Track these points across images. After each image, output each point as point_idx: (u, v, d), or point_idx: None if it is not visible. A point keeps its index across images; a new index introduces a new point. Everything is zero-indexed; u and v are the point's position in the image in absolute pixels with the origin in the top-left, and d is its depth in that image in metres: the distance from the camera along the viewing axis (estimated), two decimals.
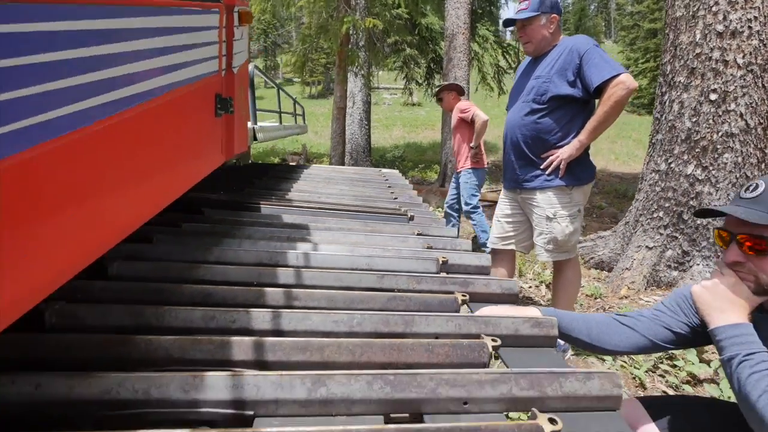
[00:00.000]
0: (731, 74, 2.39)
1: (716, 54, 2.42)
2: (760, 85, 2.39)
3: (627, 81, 1.63)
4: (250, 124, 2.02)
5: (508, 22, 2.03)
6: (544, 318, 1.01)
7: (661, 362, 1.95)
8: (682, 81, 2.57)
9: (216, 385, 0.69)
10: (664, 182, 2.67)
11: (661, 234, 2.68)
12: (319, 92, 35.95)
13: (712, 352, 1.95)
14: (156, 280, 1.05)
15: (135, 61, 0.73)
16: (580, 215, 1.89)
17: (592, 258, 3.23)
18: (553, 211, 1.87)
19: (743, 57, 2.37)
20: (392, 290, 1.13)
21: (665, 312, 1.10)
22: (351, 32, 6.07)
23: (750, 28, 2.35)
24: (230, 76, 1.24)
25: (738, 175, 2.42)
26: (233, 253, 1.26)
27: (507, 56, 8.69)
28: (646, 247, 2.72)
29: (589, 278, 2.98)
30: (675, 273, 2.62)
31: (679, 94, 2.59)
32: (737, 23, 2.36)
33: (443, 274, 1.27)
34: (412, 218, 1.97)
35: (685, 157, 2.55)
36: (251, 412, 0.67)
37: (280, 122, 3.42)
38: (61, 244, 0.57)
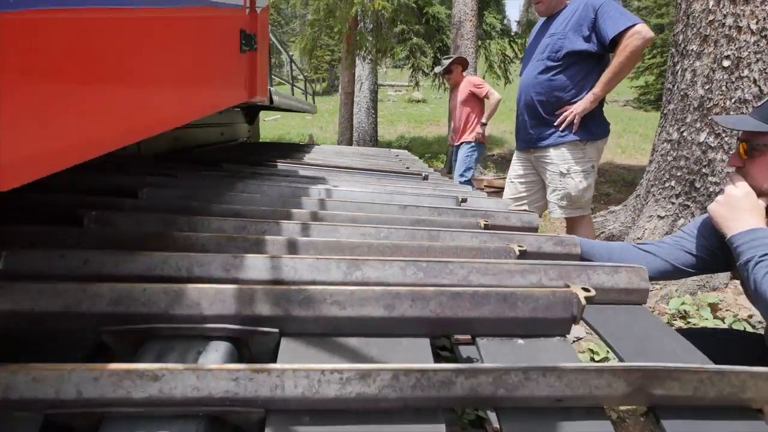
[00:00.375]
0: (744, 40, 2.38)
1: (729, 20, 2.41)
2: None
3: (643, 31, 1.64)
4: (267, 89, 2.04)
5: None
6: (567, 236, 1.02)
7: (674, 320, 1.96)
8: (694, 49, 2.57)
9: (255, 266, 0.71)
10: (676, 151, 2.67)
11: (673, 203, 2.68)
12: (323, 89, 36.02)
13: (726, 309, 1.96)
14: (186, 201, 1.08)
15: None
16: (594, 171, 1.90)
17: (602, 232, 3.23)
18: (567, 166, 1.88)
19: (757, 23, 2.36)
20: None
21: (685, 237, 1.12)
22: (359, 17, 6.09)
23: None
24: (254, 16, 1.27)
25: None
26: (256, 187, 1.29)
27: (514, 45, 8.67)
28: (658, 216, 2.72)
29: None
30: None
31: (691, 62, 2.59)
32: None
33: (464, 207, 1.29)
34: (426, 177, 1.99)
35: (698, 125, 2.55)
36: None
37: (292, 94, 3.45)
38: (81, 116, 0.56)
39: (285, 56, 3.51)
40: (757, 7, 2.36)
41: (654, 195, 2.81)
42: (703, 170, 2.54)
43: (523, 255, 0.90)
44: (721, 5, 2.44)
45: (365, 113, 7.24)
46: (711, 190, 2.53)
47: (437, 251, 0.86)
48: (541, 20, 2.08)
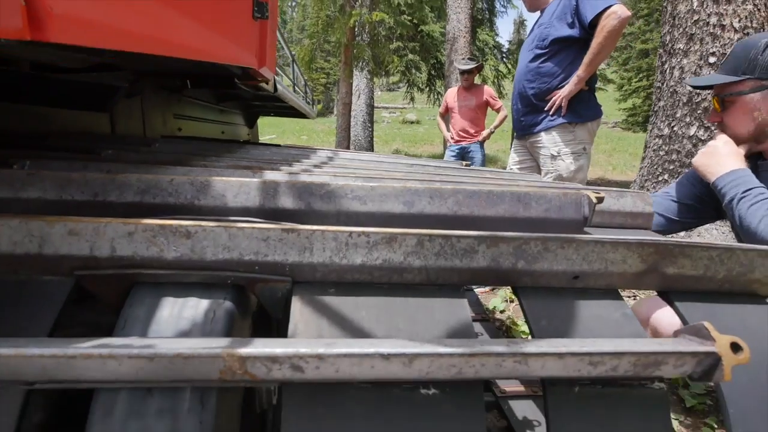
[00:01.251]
0: (729, 37, 2.50)
1: (713, 19, 2.54)
2: None
3: (618, 11, 1.72)
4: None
5: None
6: (571, 183, 1.05)
7: None
8: (681, 47, 2.68)
9: (276, 178, 0.73)
10: (668, 146, 2.75)
11: None
12: (318, 111, 36.64)
13: None
14: (200, 151, 1.10)
15: None
16: (586, 155, 1.95)
17: None
18: (557, 149, 1.94)
19: (739, 21, 2.48)
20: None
21: (674, 188, 1.16)
22: (356, 29, 6.28)
23: None
24: None
25: None
26: (265, 148, 1.31)
27: (506, 61, 8.95)
28: None
29: None
30: (682, 234, 2.66)
31: (679, 60, 2.70)
32: None
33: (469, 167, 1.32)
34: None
35: (688, 119, 2.64)
36: None
37: (294, 91, 3.52)
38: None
39: (286, 60, 3.61)
40: (739, 6, 2.48)
41: (648, 189, 2.87)
42: None
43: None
44: (705, 5, 2.57)
45: (362, 126, 7.37)
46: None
47: (450, 179, 0.88)
48: (536, 16, 2.18)
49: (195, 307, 0.48)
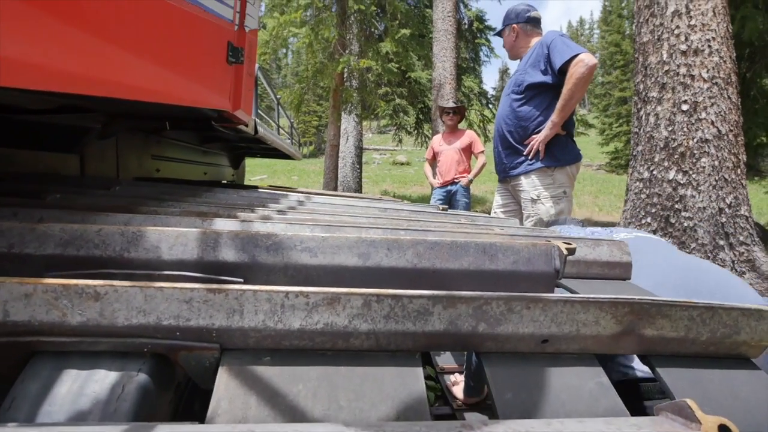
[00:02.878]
0: (698, 87, 2.60)
1: (683, 70, 2.65)
2: (726, 96, 2.59)
3: (586, 59, 1.77)
4: (252, 116, 2.09)
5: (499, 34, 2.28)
6: (547, 228, 1.01)
7: None
8: (655, 96, 2.78)
9: (225, 227, 0.67)
10: (649, 189, 2.77)
11: None
12: (310, 152, 37.30)
13: None
14: (161, 194, 1.04)
15: None
16: (567, 198, 1.94)
17: None
18: (537, 192, 1.94)
19: (707, 72, 2.59)
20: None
21: None
22: (345, 76, 6.48)
23: (710, 46, 2.60)
24: (242, 33, 1.33)
25: (717, 178, 2.54)
26: (235, 192, 1.27)
27: (491, 107, 9.25)
28: None
29: None
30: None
31: (653, 107, 2.78)
32: (698, 43, 2.61)
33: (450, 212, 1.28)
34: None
35: (666, 164, 2.68)
36: None
37: (278, 133, 3.54)
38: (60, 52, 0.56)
39: (273, 103, 3.66)
40: (706, 58, 2.60)
41: None
42: (676, 206, 2.63)
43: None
44: (674, 57, 2.69)
45: (350, 168, 7.44)
46: (685, 225, 2.60)
47: (417, 227, 0.84)
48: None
49: (101, 381, 0.41)
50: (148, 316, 0.42)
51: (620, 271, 0.77)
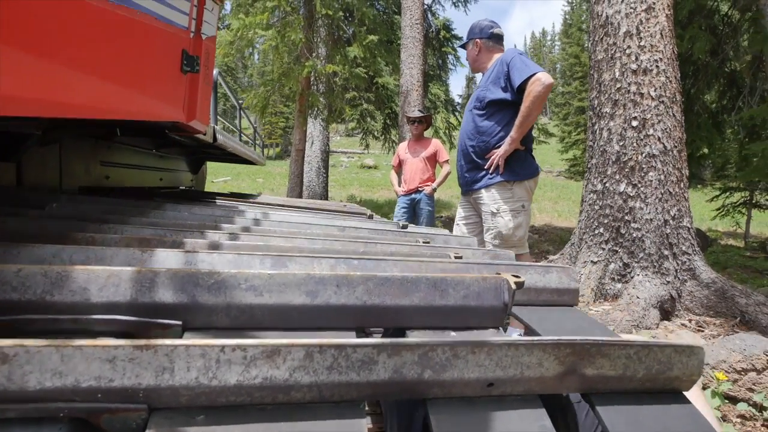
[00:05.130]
0: (647, 104, 2.75)
1: (633, 88, 2.80)
2: (671, 114, 2.76)
3: (543, 78, 1.84)
4: (210, 123, 2.02)
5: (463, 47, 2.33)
6: (503, 251, 1.03)
7: None
8: (608, 111, 2.92)
9: (165, 260, 0.64)
10: (602, 201, 2.91)
11: (603, 249, 2.85)
12: (276, 154, 36.61)
13: None
14: (102, 214, 0.98)
15: None
16: (525, 211, 2.00)
17: None
18: (496, 206, 1.99)
19: (655, 90, 2.75)
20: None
21: None
22: (312, 80, 6.41)
23: (657, 67, 2.76)
24: (198, 41, 1.28)
25: (662, 191, 2.70)
26: (187, 209, 1.21)
27: (457, 114, 9.44)
28: (591, 261, 2.87)
29: None
30: (619, 285, 2.76)
31: (606, 122, 2.92)
32: (647, 63, 2.77)
33: (405, 231, 1.28)
34: (371, 216, 1.99)
35: (617, 177, 2.82)
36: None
37: (240, 139, 3.43)
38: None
39: (236, 110, 3.55)
40: (654, 77, 2.76)
41: (586, 242, 3.00)
42: (626, 217, 2.77)
43: (460, 258, 0.89)
44: (625, 76, 2.84)
45: (316, 172, 7.34)
46: (634, 235, 2.74)
47: (372, 254, 0.83)
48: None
49: None
50: (65, 378, 0.38)
51: (568, 298, 0.79)
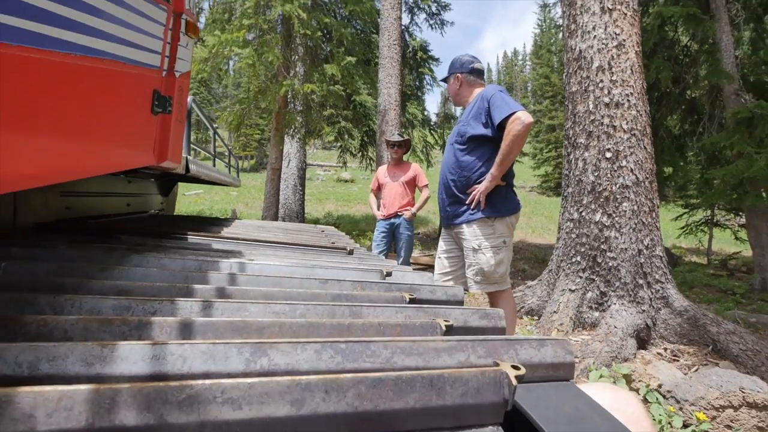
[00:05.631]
0: (620, 137, 2.84)
1: (606, 120, 2.88)
2: (642, 146, 2.85)
3: (522, 117, 1.85)
4: (183, 153, 1.93)
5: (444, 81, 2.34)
6: (492, 309, 1.00)
7: None
8: (582, 142, 2.99)
9: (130, 357, 0.57)
10: (578, 229, 2.96)
11: (581, 277, 2.89)
12: (251, 166, 36.07)
13: (639, 380, 2.05)
14: (57, 277, 0.89)
15: (68, 6, 0.69)
16: (507, 247, 2.00)
17: (522, 307, 3.35)
18: (478, 242, 1.97)
19: (627, 123, 2.84)
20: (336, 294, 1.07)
21: None
22: (289, 98, 6.34)
23: (629, 101, 2.86)
24: (171, 79, 1.21)
25: (636, 221, 2.77)
26: (155, 261, 1.13)
27: (434, 133, 9.56)
28: (569, 290, 2.90)
29: (523, 324, 3.06)
30: (596, 314, 2.79)
31: (581, 153, 2.99)
32: (619, 97, 2.86)
33: (388, 281, 1.23)
34: (351, 252, 1.94)
35: (593, 207, 2.88)
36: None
37: (214, 165, 3.33)
38: None
39: (210, 131, 3.46)
40: (626, 111, 2.85)
41: (564, 270, 3.03)
42: (602, 246, 2.82)
43: (450, 330, 0.85)
44: (599, 108, 2.92)
45: (292, 190, 7.21)
46: (610, 264, 2.79)
47: (359, 329, 0.78)
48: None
49: None
50: None
51: (564, 372, 0.76)
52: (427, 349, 0.70)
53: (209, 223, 2.86)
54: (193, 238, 1.76)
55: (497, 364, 0.63)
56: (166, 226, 2.31)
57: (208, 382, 0.48)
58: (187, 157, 1.94)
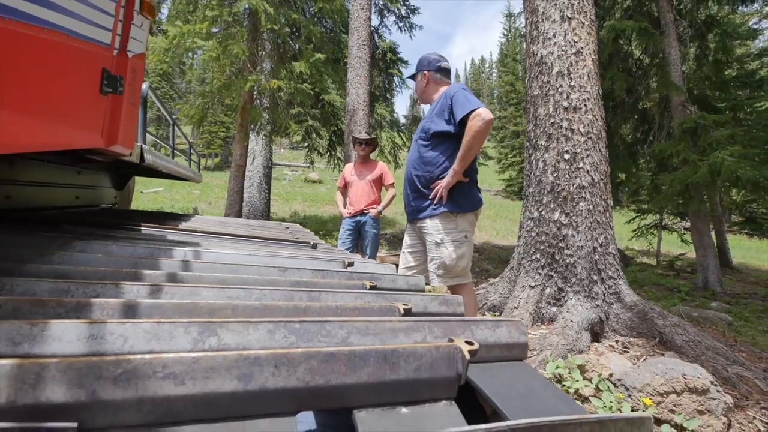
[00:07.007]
0: (577, 140, 2.96)
1: (565, 123, 3.00)
2: (598, 149, 2.99)
3: (483, 113, 1.90)
4: (138, 142, 1.84)
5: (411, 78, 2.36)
6: (452, 296, 1.01)
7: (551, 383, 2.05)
8: (543, 144, 3.10)
9: (63, 336, 0.53)
10: (538, 227, 3.06)
11: (540, 273, 2.99)
12: (216, 165, 34.98)
13: (592, 370, 2.13)
14: None
15: None
16: (468, 242, 2.04)
17: (485, 304, 3.42)
18: (440, 236, 2.00)
19: (584, 127, 2.97)
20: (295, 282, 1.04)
21: None
22: (255, 95, 6.20)
23: (586, 105, 2.99)
24: (123, 58, 1.15)
25: (592, 221, 2.90)
26: (101, 248, 1.06)
27: (401, 134, 9.63)
28: (529, 286, 2.99)
29: None
30: (554, 309, 2.89)
31: (542, 154, 3.10)
32: (577, 101, 2.99)
33: (350, 270, 1.22)
34: (315, 246, 1.91)
35: (552, 206, 2.98)
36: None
37: (173, 158, 3.19)
38: None
39: (171, 126, 3.31)
40: (583, 115, 2.98)
41: (524, 267, 3.12)
42: (560, 244, 2.93)
43: (408, 314, 0.85)
44: (558, 112, 3.04)
45: (257, 188, 7.05)
46: (567, 261, 2.90)
47: (315, 312, 0.76)
48: None
49: None
50: None
51: (517, 352, 0.78)
52: (383, 329, 0.69)
53: (166, 218, 2.74)
54: (147, 229, 1.68)
55: (452, 341, 0.63)
56: (117, 218, 2.20)
57: (148, 356, 0.46)
58: (141, 146, 1.85)
